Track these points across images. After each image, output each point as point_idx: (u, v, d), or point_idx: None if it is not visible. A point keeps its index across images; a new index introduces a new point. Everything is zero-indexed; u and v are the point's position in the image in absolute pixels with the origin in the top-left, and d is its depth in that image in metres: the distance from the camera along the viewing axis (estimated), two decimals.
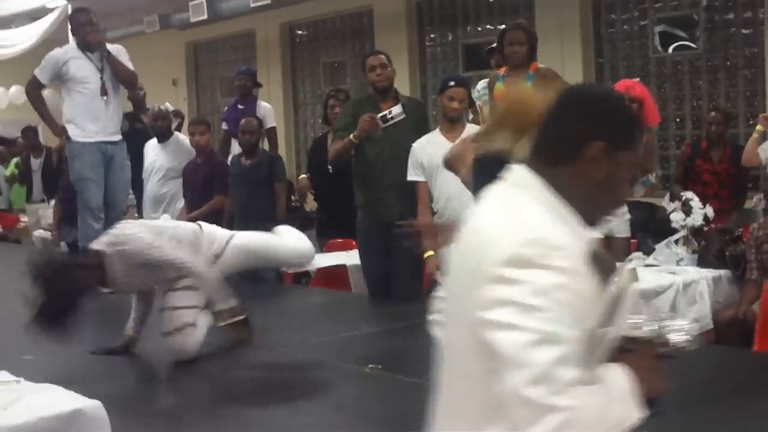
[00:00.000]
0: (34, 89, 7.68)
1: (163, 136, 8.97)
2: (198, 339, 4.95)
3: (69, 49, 7.58)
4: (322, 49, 15.12)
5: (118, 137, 7.61)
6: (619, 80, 8.10)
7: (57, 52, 7.58)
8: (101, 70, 7.45)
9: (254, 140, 7.84)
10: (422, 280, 6.49)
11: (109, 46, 7.61)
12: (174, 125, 9.55)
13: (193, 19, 14.38)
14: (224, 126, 9.33)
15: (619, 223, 6.80)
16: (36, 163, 11.95)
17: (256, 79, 9.84)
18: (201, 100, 17.47)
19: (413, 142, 6.22)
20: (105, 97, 7.42)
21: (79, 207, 7.65)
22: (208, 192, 8.20)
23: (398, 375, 4.52)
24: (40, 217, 11.60)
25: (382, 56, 6.61)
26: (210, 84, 17.39)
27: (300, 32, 15.56)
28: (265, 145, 8.86)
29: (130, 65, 7.68)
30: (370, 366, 4.68)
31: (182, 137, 9.22)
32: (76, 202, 9.65)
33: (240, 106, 9.31)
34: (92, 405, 3.36)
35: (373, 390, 4.40)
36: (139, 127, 9.82)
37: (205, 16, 14.14)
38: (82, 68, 7.42)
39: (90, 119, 7.42)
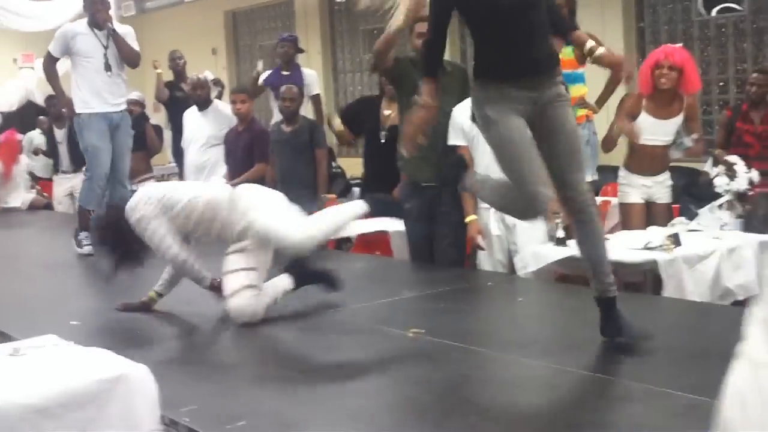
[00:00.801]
0: (48, 62, 7.95)
1: (203, 105, 9.03)
2: (262, 302, 5.01)
3: (78, 25, 7.87)
4: (360, 16, 15.05)
5: (122, 107, 7.92)
6: (660, 45, 7.98)
7: (67, 27, 7.93)
8: (106, 47, 7.71)
9: (295, 107, 7.84)
10: (464, 245, 6.50)
11: (118, 26, 7.88)
12: (214, 94, 9.58)
13: None
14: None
15: (661, 188, 6.77)
16: (60, 133, 11.92)
17: (298, 45, 9.82)
18: (241, 69, 17.50)
19: (456, 107, 6.20)
20: (108, 73, 7.72)
21: (87, 174, 8.05)
22: (249, 159, 8.25)
23: (441, 339, 4.52)
24: (74, 188, 11.49)
25: None
26: (249, 53, 17.40)
27: (339, 0, 15.50)
28: (309, 112, 8.87)
29: (135, 45, 7.89)
30: (413, 330, 4.68)
31: (222, 105, 9.26)
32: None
33: (285, 73, 9.31)
34: (139, 369, 3.40)
35: (417, 354, 4.39)
36: (180, 96, 9.87)
37: None
38: (88, 44, 7.71)
39: (93, 93, 7.72)
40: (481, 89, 4.23)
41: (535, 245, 6.04)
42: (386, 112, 7.66)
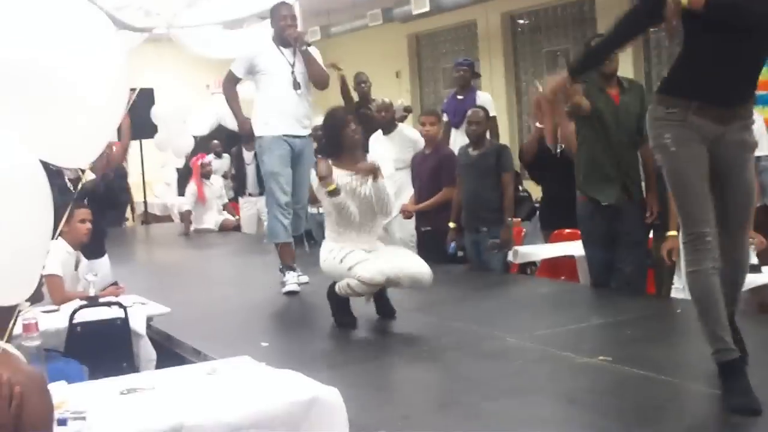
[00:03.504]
0: (229, 83, 7.55)
1: (387, 128, 9.12)
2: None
3: (262, 42, 7.48)
4: (543, 38, 14.99)
5: (306, 132, 7.36)
6: None
7: (251, 46, 7.59)
8: (292, 65, 7.28)
9: (481, 130, 7.83)
10: (645, 269, 6.38)
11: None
12: (397, 117, 9.68)
13: (415, 12, 14.53)
14: (444, 117, 9.40)
15: None
16: (249, 156, 12.24)
17: (475, 69, 9.85)
18: (424, 92, 17.63)
19: (638, 123, 6.10)
20: (298, 91, 7.25)
21: (268, 202, 7.55)
22: (436, 182, 8.28)
23: (629, 367, 4.44)
24: (260, 210, 11.65)
25: None
26: (432, 75, 17.53)
27: (521, 21, 15.47)
28: None
29: (322, 66, 7.47)
30: (600, 358, 4.62)
31: (407, 128, 9.37)
32: None
33: (459, 97, 9.42)
34: (329, 392, 3.45)
35: (605, 382, 4.33)
36: (366, 113, 9.97)
37: (427, 9, 14.26)
38: (274, 61, 7.29)
39: (277, 112, 7.24)
40: (664, 108, 3.92)
41: None
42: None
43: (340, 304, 5.76)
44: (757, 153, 6.14)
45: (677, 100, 3.88)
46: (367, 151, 9.47)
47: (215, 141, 15.56)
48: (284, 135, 7.22)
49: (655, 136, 3.95)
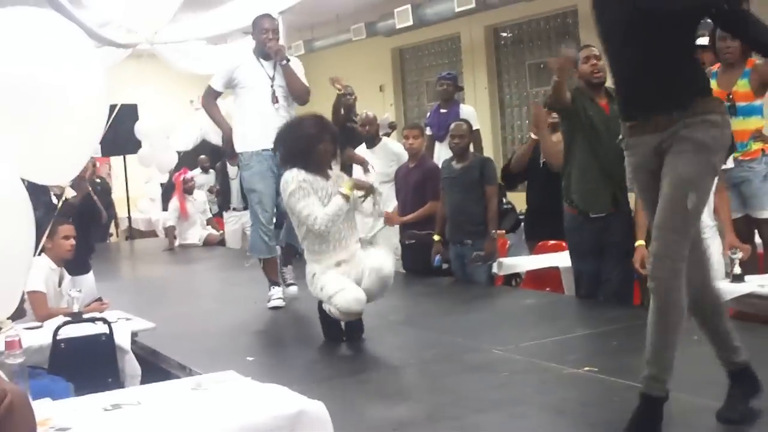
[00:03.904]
0: (208, 98, 7.46)
1: (371, 142, 9.13)
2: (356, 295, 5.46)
3: (242, 55, 7.41)
4: (527, 50, 15.05)
5: None
6: None
7: (231, 59, 7.52)
8: (272, 78, 7.20)
9: (464, 144, 7.84)
10: (632, 281, 6.38)
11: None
12: (382, 133, 9.70)
13: (398, 26, 14.55)
14: (428, 131, 9.41)
15: None
16: (233, 170, 12.28)
17: (458, 83, 9.88)
18: (407, 105, 17.66)
19: None
20: (276, 105, 7.13)
21: (251, 217, 7.47)
22: (421, 196, 8.29)
23: (615, 378, 4.44)
24: (245, 225, 11.61)
25: (594, 48, 6.47)
26: (416, 89, 17.56)
27: (504, 34, 15.52)
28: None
29: (304, 80, 7.33)
30: (586, 368, 4.62)
31: (390, 142, 9.37)
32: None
33: (442, 110, 9.43)
34: (315, 406, 3.44)
35: (592, 393, 4.33)
36: (350, 126, 9.97)
37: (411, 23, 14.29)
38: (253, 74, 7.22)
39: (257, 127, 7.09)
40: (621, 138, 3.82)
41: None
42: None
43: (328, 316, 5.74)
44: (729, 165, 6.22)
45: (621, 127, 3.84)
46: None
47: (202, 156, 15.56)
48: (263, 150, 7.07)
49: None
